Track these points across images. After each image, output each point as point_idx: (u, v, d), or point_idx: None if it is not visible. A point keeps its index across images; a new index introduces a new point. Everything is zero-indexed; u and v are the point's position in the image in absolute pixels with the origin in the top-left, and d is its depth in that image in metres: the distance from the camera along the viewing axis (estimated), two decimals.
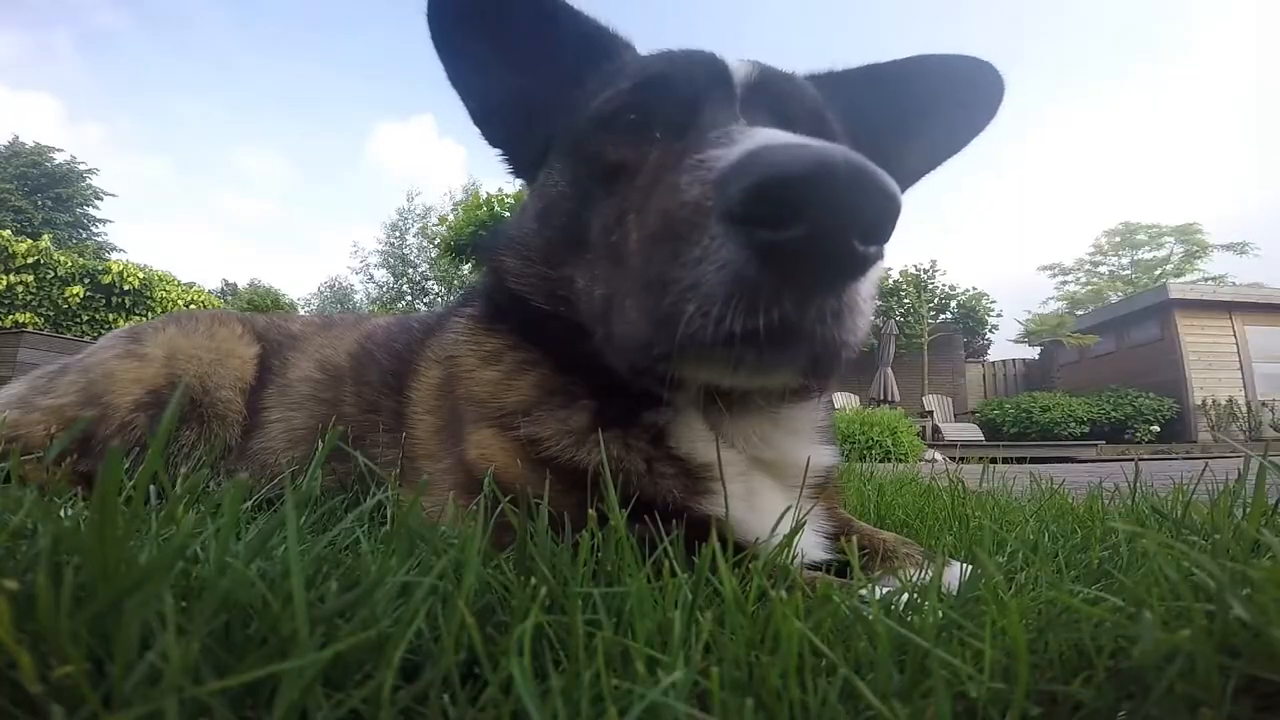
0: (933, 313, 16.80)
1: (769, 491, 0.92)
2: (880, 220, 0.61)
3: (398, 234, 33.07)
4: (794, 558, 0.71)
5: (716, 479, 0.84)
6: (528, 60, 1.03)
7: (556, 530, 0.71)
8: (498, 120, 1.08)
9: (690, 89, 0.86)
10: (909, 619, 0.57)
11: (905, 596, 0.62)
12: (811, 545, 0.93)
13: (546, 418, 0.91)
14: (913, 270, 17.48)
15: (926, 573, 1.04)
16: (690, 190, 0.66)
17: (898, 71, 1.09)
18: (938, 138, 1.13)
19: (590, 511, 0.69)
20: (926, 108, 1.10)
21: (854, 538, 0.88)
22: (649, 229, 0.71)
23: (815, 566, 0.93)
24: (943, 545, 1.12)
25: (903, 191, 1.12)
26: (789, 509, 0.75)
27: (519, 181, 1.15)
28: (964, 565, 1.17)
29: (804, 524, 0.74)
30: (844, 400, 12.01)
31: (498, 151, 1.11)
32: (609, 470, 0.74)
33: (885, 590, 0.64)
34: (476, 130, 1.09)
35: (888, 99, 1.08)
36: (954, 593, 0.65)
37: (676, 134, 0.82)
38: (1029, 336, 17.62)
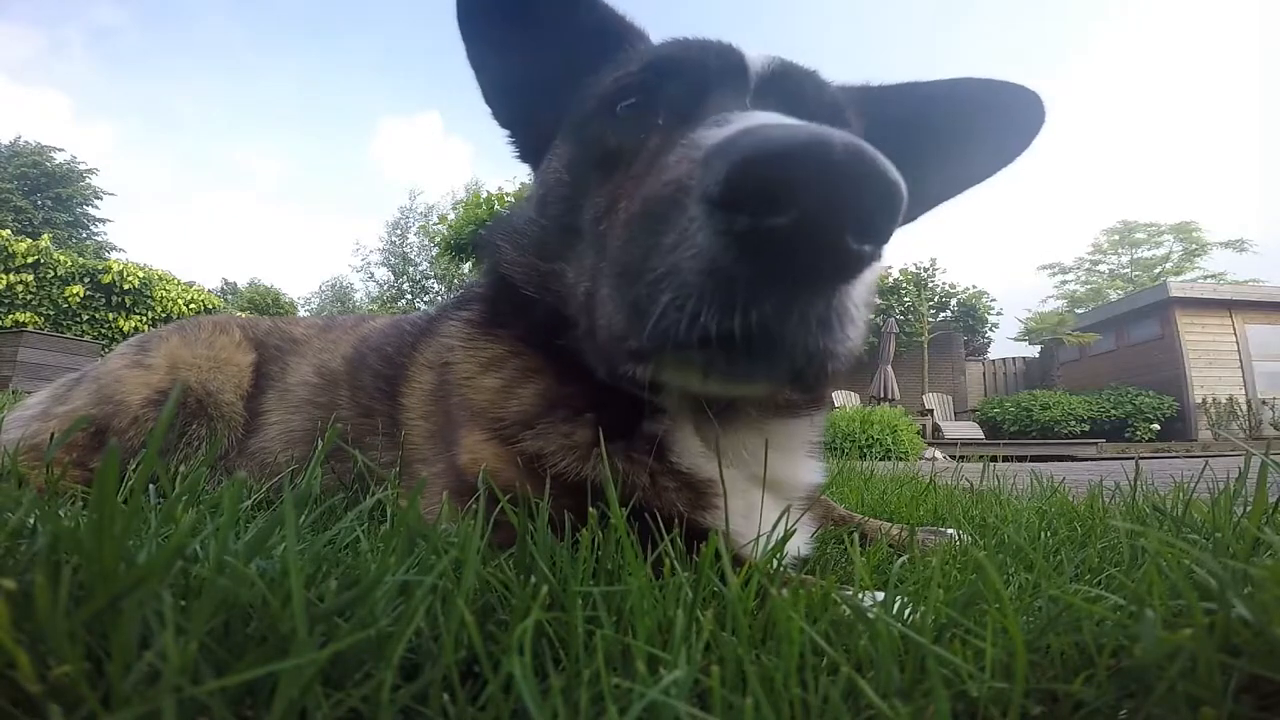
0: (933, 311, 16.76)
1: (768, 510, 0.90)
2: (880, 214, 0.54)
3: (399, 232, 33.10)
4: (784, 555, 0.71)
5: (719, 494, 0.83)
6: (545, 43, 1.00)
7: (556, 533, 0.70)
8: (509, 100, 1.05)
9: (700, 74, 0.81)
10: (909, 618, 0.57)
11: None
12: (800, 544, 0.93)
13: (550, 431, 0.88)
14: (912, 268, 17.45)
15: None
16: (676, 169, 0.61)
17: (933, 92, 1.03)
18: (966, 163, 1.08)
19: (591, 510, 0.68)
20: (959, 132, 1.04)
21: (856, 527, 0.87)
22: (631, 212, 0.67)
23: (802, 560, 0.95)
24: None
25: (917, 216, 1.09)
26: (782, 516, 0.75)
27: (520, 181, 1.15)
28: (957, 532, 1.20)
29: (794, 531, 0.74)
30: (844, 398, 12.01)
31: (506, 133, 1.08)
32: (615, 485, 0.71)
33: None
34: (486, 116, 1.06)
35: (920, 119, 1.03)
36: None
37: (680, 120, 0.76)
38: (1029, 335, 17.57)
